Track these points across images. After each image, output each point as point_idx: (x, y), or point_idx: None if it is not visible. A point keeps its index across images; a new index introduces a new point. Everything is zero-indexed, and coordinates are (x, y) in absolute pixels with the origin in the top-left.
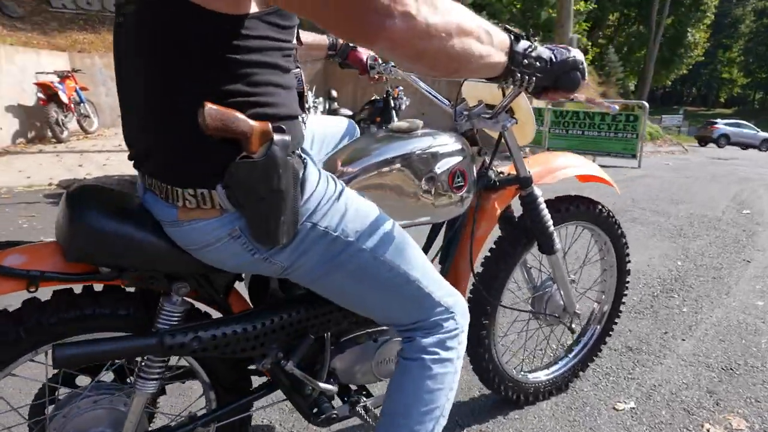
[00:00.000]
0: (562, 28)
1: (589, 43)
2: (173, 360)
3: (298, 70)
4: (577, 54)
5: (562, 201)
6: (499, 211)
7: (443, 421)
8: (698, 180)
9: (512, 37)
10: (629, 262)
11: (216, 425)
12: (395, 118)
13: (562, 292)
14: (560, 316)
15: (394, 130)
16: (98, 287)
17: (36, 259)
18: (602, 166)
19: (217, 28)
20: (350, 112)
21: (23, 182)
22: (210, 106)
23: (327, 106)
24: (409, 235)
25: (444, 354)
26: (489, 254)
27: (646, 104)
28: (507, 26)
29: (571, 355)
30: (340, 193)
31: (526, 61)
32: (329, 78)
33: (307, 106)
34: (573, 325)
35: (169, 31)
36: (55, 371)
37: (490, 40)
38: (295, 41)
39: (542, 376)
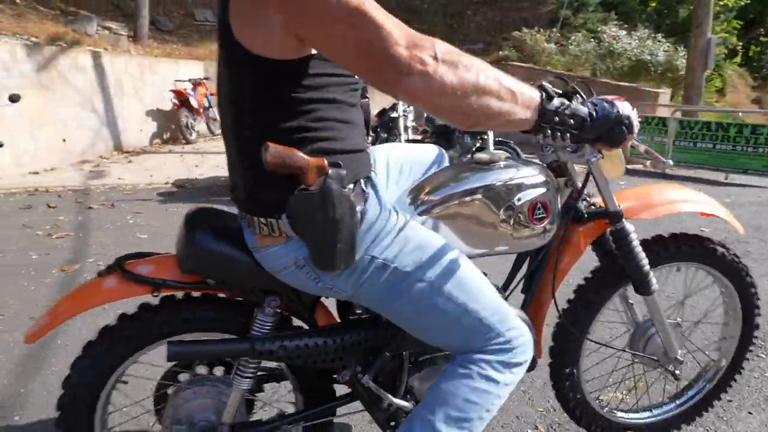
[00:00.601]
0: (699, 27)
1: (740, 44)
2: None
3: (366, 100)
4: (622, 108)
5: (667, 239)
6: (584, 245)
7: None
8: None
9: (543, 95)
10: (759, 315)
11: (302, 425)
12: (401, 130)
13: (663, 337)
14: (660, 360)
15: (477, 162)
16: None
17: (159, 270)
18: (735, 185)
19: (279, 72)
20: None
21: (146, 180)
22: (271, 146)
23: (426, 114)
24: (475, 267)
25: (493, 374)
26: (582, 284)
27: None
28: (543, 84)
29: (674, 404)
30: (403, 226)
31: (557, 118)
32: None
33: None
34: (676, 372)
35: (241, 80)
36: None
37: (513, 98)
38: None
39: (638, 418)
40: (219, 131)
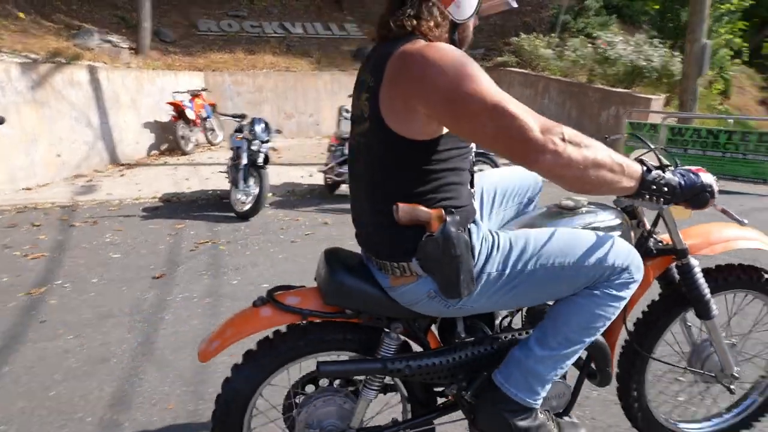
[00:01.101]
0: (693, 34)
1: (745, 45)
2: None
3: (471, 157)
4: (705, 178)
5: (724, 270)
6: (653, 277)
7: (588, 343)
8: None
9: (645, 169)
10: None
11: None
12: None
13: (718, 355)
14: (717, 376)
15: (563, 207)
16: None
17: (305, 301)
18: (726, 192)
19: (417, 149)
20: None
21: (135, 194)
22: (401, 205)
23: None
24: (563, 228)
25: (615, 292)
26: (647, 309)
27: None
28: (642, 159)
29: (728, 416)
30: (498, 242)
31: (654, 187)
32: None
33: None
34: (731, 387)
35: (385, 154)
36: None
37: (621, 171)
38: (472, 144)
39: (699, 428)
40: (217, 141)
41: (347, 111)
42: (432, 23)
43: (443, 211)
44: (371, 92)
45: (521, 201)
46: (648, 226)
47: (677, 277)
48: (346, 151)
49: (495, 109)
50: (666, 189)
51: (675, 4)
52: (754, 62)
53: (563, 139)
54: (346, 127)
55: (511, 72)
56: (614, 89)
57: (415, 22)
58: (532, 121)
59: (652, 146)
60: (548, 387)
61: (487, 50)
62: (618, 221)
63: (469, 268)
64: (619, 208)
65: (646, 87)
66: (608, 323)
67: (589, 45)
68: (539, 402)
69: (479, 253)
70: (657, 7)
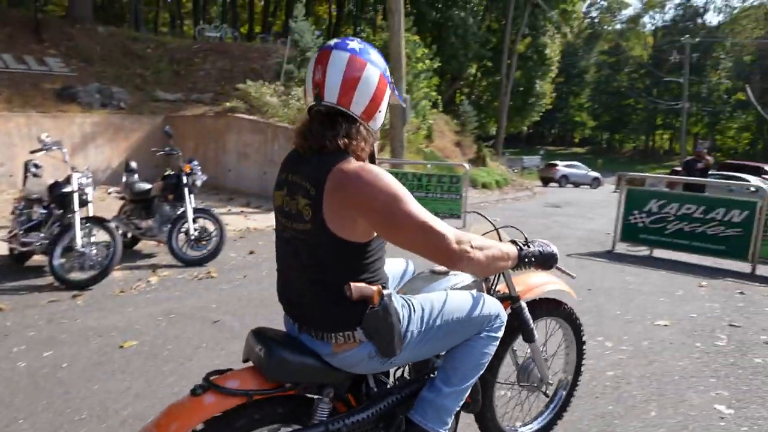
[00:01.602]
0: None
1: (439, 97)
2: None
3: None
4: (553, 248)
5: (537, 303)
6: None
7: (477, 376)
8: None
9: (519, 248)
10: (585, 343)
11: None
12: (187, 196)
13: (539, 369)
14: (538, 385)
15: (434, 272)
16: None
17: (245, 382)
18: None
19: (356, 248)
20: (148, 186)
21: None
22: (353, 285)
23: (125, 179)
24: (454, 291)
25: (493, 334)
26: None
27: (467, 166)
28: (515, 240)
29: (547, 412)
30: (413, 306)
31: (526, 258)
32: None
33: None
34: (548, 391)
35: (326, 252)
36: None
37: (507, 257)
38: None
39: (532, 428)
40: None
41: (36, 167)
42: (362, 143)
43: (381, 287)
44: (313, 200)
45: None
46: (491, 283)
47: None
48: (35, 216)
49: (422, 227)
50: (533, 259)
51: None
52: (450, 110)
53: (472, 247)
54: (35, 186)
55: (241, 118)
56: None
57: (347, 141)
58: (450, 235)
59: (496, 227)
60: (452, 418)
61: (216, 94)
62: (472, 280)
63: (399, 331)
64: None
65: None
66: (490, 359)
67: None
68: (448, 430)
69: (402, 318)
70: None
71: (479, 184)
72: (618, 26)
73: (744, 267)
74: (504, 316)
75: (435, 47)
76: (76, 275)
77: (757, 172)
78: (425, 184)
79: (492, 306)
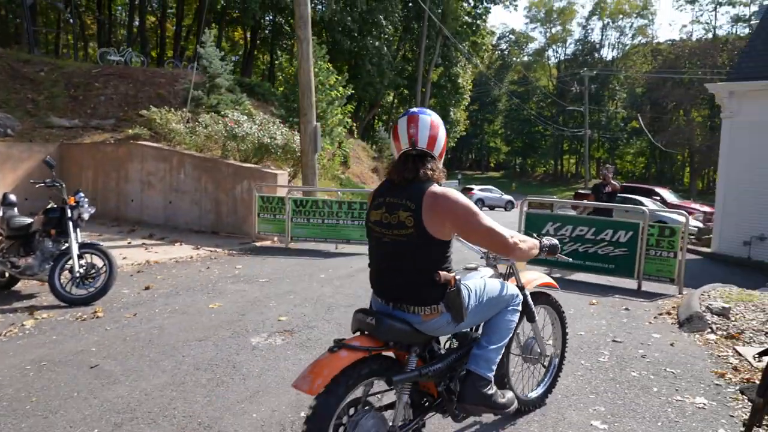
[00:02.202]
0: (305, 117)
1: (355, 124)
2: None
3: None
4: (555, 241)
5: (533, 294)
6: None
7: (507, 339)
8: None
9: (540, 241)
10: (567, 324)
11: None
12: (71, 231)
13: (539, 345)
14: (539, 358)
15: (467, 268)
16: None
17: (363, 342)
18: (343, 254)
19: (442, 245)
20: (29, 220)
21: None
22: (441, 273)
23: (2, 214)
24: (492, 279)
25: (514, 308)
26: None
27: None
28: (533, 234)
29: (546, 379)
30: (469, 290)
31: (544, 248)
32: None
33: None
34: (545, 363)
35: (425, 248)
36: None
37: (535, 247)
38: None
39: (538, 392)
40: None
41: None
42: (439, 173)
43: (455, 274)
44: (414, 212)
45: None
46: (505, 277)
47: None
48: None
49: (489, 231)
50: (547, 249)
51: (296, 88)
52: (369, 136)
53: (519, 241)
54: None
55: (144, 146)
56: (245, 164)
57: (431, 172)
58: (507, 234)
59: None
60: (495, 366)
61: (118, 121)
62: (492, 272)
63: (465, 305)
64: (490, 266)
65: (278, 162)
66: (514, 326)
67: (220, 122)
68: (493, 376)
69: (465, 297)
70: (282, 89)
71: None
72: (525, 58)
73: (632, 284)
74: (520, 296)
75: (350, 75)
76: None
77: (649, 194)
78: (335, 211)
79: (512, 289)
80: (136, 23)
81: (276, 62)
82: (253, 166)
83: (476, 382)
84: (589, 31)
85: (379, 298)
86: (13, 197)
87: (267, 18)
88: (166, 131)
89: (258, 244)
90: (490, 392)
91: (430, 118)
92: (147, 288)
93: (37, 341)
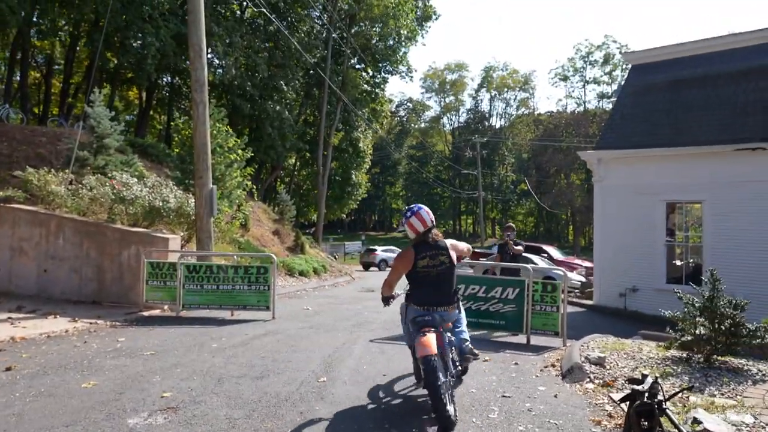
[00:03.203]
0: (201, 179)
1: (254, 186)
2: None
3: None
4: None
5: None
6: None
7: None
8: (319, 330)
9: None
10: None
11: None
12: None
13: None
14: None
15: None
16: None
17: (431, 329)
18: (238, 321)
19: (454, 270)
20: None
21: None
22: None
23: None
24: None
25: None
26: None
27: (275, 257)
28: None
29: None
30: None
31: None
32: None
33: None
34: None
35: (453, 273)
36: None
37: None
38: None
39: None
40: None
41: None
42: (440, 235)
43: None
44: (446, 255)
45: None
46: None
47: None
48: None
49: (469, 251)
50: None
51: (192, 150)
52: (271, 198)
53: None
54: None
55: (16, 209)
56: (133, 229)
57: (438, 234)
58: (468, 248)
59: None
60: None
61: None
62: None
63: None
64: None
65: (171, 225)
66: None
67: (107, 184)
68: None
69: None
70: (178, 150)
71: (296, 272)
72: (423, 125)
73: (522, 339)
74: None
75: (250, 137)
76: None
77: (538, 251)
78: (231, 276)
79: None
80: (17, 78)
81: (173, 123)
82: (142, 230)
83: (463, 343)
84: (479, 101)
85: (421, 306)
86: None
87: (164, 79)
88: (45, 194)
89: (146, 313)
90: (471, 347)
91: (425, 209)
92: (8, 369)
93: None
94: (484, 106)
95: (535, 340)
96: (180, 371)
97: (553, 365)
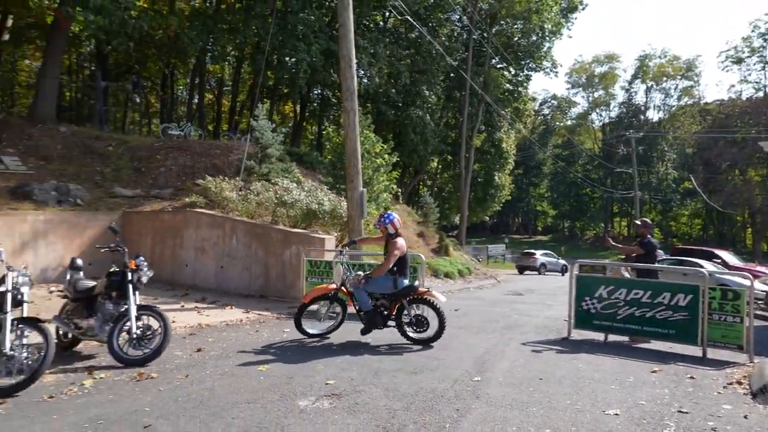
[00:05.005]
0: (352, 183)
1: (400, 190)
2: None
3: None
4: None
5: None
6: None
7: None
8: (468, 330)
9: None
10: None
11: None
12: (131, 293)
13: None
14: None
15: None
16: None
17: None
18: None
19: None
20: (92, 284)
21: None
22: None
23: (70, 277)
24: None
25: None
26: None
27: (423, 257)
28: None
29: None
30: None
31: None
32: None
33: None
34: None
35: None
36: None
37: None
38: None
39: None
40: None
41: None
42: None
43: None
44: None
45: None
46: None
47: None
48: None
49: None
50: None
51: (343, 156)
52: (414, 202)
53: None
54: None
55: (200, 213)
56: (293, 230)
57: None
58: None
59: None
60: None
61: (176, 190)
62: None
63: None
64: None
65: (325, 226)
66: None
67: (271, 189)
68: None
69: None
70: (330, 157)
71: (441, 273)
72: (569, 122)
73: (696, 351)
74: None
75: (394, 143)
76: (2, 381)
77: (709, 256)
78: None
79: None
80: (196, 100)
81: (323, 132)
82: (301, 231)
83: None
84: (633, 93)
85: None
86: (80, 261)
87: (315, 92)
88: (220, 199)
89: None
90: None
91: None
92: (199, 350)
93: (95, 400)
94: (639, 98)
95: (712, 353)
96: (340, 362)
97: (738, 382)
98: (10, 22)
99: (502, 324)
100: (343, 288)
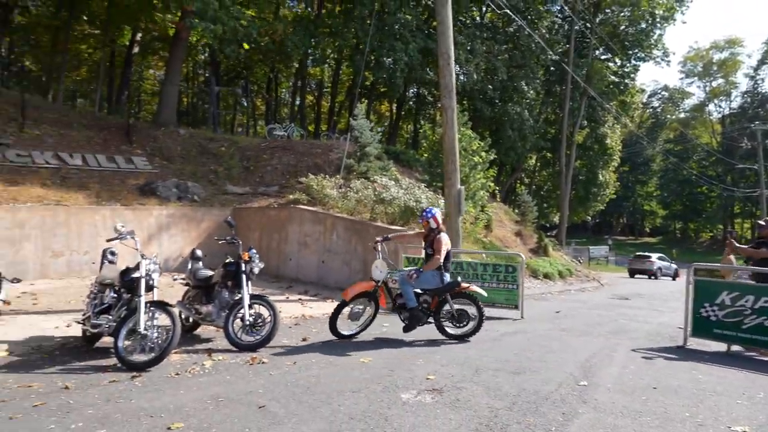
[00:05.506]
0: (450, 180)
1: (497, 188)
2: None
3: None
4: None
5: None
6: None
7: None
8: (571, 333)
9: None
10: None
11: None
12: (244, 283)
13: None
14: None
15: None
16: None
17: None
18: (487, 318)
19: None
20: (211, 273)
21: None
22: None
23: (191, 266)
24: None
25: None
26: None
27: (523, 256)
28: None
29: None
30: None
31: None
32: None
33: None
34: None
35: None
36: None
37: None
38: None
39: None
40: None
41: (112, 254)
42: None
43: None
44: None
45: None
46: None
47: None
48: (107, 300)
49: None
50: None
51: (439, 154)
52: (511, 200)
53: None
54: (109, 272)
55: (302, 209)
56: (391, 226)
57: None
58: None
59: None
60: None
61: (281, 188)
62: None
63: None
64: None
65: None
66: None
67: (369, 187)
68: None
69: None
70: (426, 155)
71: (540, 274)
72: (682, 115)
73: None
74: None
75: (491, 140)
76: (137, 357)
77: None
78: (480, 273)
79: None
80: (297, 102)
81: (420, 130)
82: (399, 228)
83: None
84: (759, 81)
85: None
86: (199, 252)
87: (411, 91)
88: (321, 196)
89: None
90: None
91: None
92: (304, 340)
93: (215, 380)
94: (767, 86)
95: None
96: (439, 358)
97: None
98: (139, 36)
99: (608, 329)
100: (382, 285)
